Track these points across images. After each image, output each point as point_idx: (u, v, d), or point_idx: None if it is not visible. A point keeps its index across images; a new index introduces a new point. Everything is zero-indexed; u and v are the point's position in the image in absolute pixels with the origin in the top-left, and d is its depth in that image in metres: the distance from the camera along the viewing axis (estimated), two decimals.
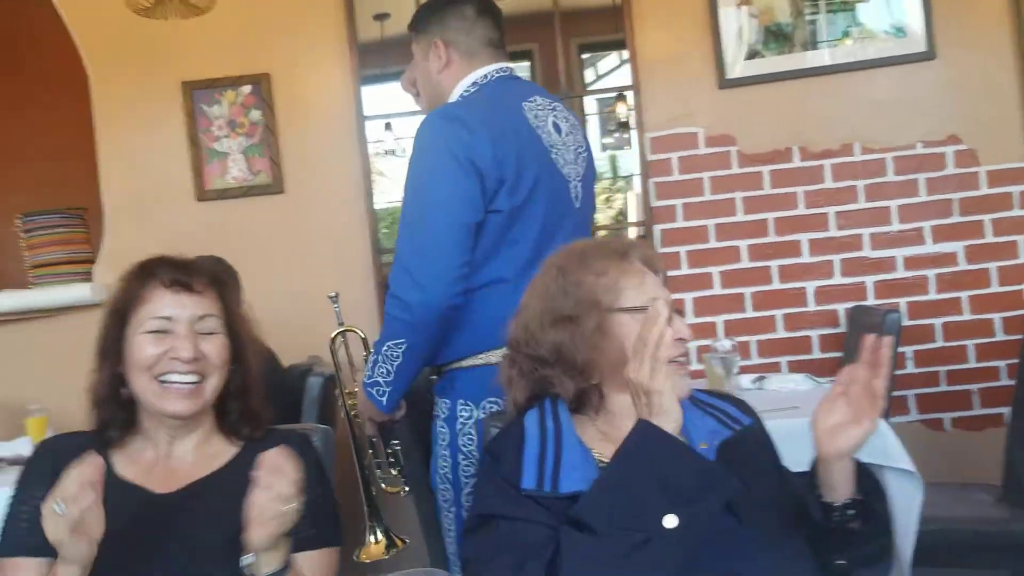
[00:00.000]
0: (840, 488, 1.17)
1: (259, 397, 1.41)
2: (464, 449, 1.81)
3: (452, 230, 1.72)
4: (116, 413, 1.34)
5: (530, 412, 1.30)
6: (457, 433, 1.82)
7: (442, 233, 1.71)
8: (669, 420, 1.11)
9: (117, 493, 1.24)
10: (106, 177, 3.39)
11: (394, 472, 1.98)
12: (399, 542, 1.90)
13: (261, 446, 1.31)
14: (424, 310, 1.71)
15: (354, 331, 2.00)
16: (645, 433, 1.11)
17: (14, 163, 4.63)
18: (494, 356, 1.77)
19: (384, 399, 1.80)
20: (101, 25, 3.31)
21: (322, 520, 1.33)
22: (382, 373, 1.79)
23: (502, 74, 1.92)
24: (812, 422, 1.16)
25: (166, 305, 1.31)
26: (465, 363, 1.82)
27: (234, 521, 1.16)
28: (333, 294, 2.01)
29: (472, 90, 1.89)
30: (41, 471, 1.30)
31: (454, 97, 1.90)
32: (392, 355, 1.76)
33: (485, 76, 1.90)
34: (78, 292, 3.25)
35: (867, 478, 1.21)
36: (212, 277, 1.38)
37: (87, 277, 3.32)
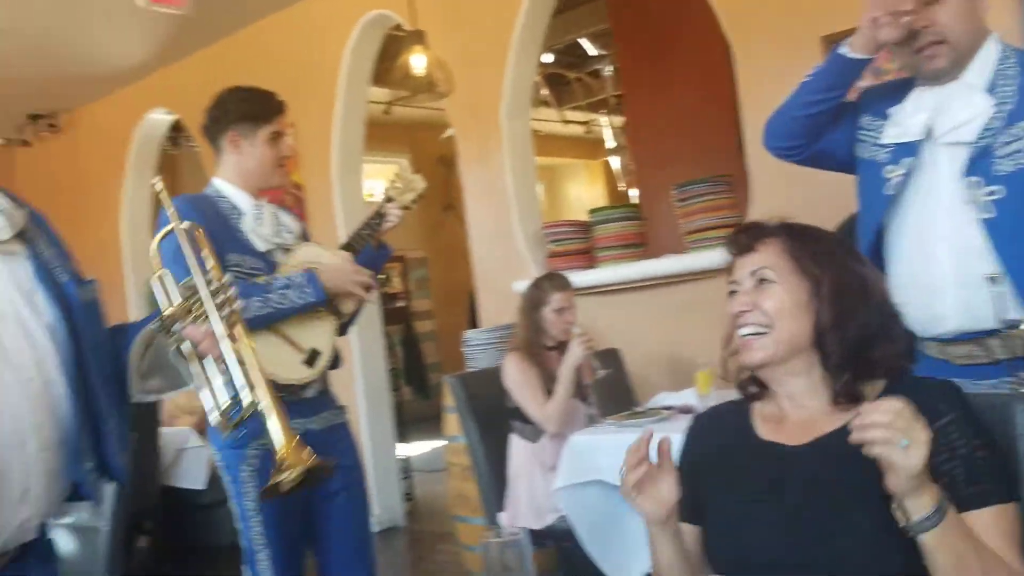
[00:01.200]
0: None
1: (863, 341, 1.30)
2: None
3: None
4: (751, 374, 1.42)
5: None
6: None
7: None
8: None
9: (759, 453, 1.36)
10: (751, 142, 3.47)
11: None
12: None
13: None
14: None
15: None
16: None
17: (665, 139, 5.09)
18: None
19: None
20: None
21: (985, 474, 1.20)
22: None
23: None
24: None
25: (734, 269, 1.40)
26: None
27: (860, 473, 1.16)
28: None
29: (1013, 53, 1.71)
30: (690, 439, 1.49)
31: (989, 53, 1.71)
32: None
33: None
34: (727, 255, 3.43)
35: None
36: (779, 230, 1.38)
37: None
